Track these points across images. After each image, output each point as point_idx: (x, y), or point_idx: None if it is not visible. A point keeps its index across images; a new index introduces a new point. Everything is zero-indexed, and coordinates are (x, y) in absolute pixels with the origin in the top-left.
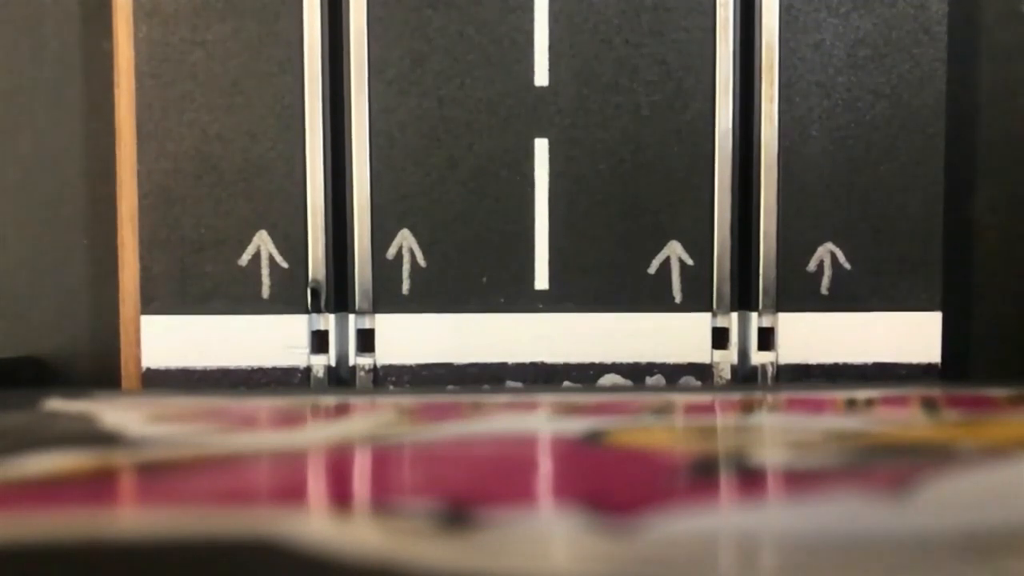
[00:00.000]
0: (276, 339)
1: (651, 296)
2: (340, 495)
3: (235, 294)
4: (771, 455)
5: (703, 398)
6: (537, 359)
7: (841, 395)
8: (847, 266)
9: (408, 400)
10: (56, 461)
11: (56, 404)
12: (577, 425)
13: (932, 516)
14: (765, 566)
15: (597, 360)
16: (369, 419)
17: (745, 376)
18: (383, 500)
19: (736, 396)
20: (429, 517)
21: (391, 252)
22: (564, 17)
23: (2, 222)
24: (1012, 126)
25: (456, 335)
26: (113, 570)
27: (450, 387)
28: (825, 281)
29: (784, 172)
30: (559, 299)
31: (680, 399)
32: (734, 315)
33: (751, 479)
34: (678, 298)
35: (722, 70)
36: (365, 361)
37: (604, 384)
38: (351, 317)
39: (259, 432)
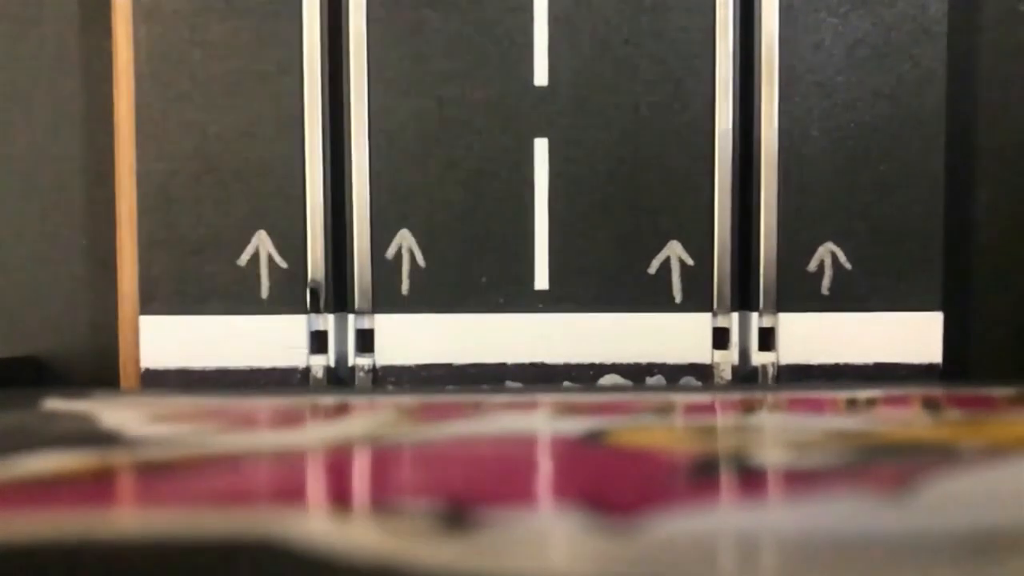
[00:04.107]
0: (275, 339)
1: (651, 296)
2: (340, 495)
3: (234, 294)
4: (771, 455)
5: (703, 398)
6: (537, 359)
7: (842, 395)
8: (848, 266)
9: (408, 400)
10: (56, 461)
11: (56, 404)
12: (577, 425)
13: (932, 516)
14: (765, 566)
15: (597, 360)
16: (369, 419)
17: (746, 376)
18: (383, 500)
19: (736, 396)
20: (429, 517)
21: (390, 252)
22: (564, 17)
23: (2, 222)
24: (1012, 126)
25: (456, 335)
26: (113, 570)
27: (450, 387)
28: (826, 281)
29: (784, 172)
30: (559, 299)
31: (680, 399)
32: (734, 315)
33: (751, 479)
34: (678, 298)
35: (722, 70)
36: (364, 361)
37: (604, 384)
38: (350, 317)
39: (259, 432)
